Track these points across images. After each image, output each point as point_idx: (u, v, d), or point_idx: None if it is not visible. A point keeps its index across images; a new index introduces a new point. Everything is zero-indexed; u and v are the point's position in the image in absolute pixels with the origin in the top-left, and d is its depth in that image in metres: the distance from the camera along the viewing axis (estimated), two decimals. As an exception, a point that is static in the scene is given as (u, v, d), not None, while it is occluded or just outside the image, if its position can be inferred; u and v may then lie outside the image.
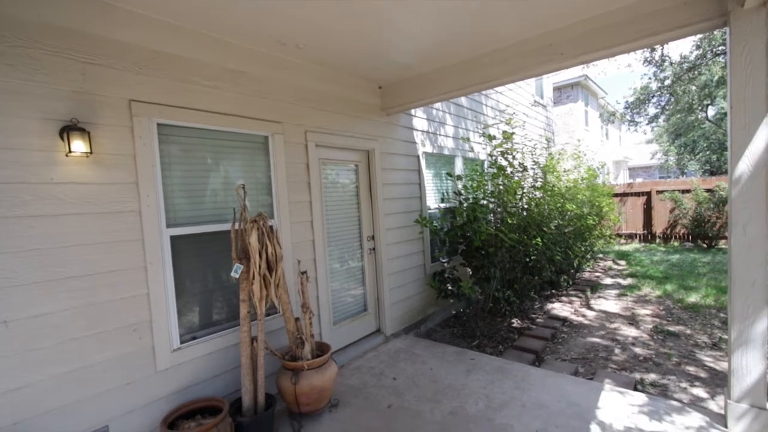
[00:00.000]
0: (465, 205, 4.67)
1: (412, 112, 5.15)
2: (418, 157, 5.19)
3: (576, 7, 3.01)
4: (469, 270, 4.99)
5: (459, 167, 6.14)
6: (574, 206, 6.12)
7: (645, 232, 12.15)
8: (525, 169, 4.24)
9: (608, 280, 7.85)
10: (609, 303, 6.24)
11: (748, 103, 2.51)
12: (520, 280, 5.03)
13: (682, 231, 11.37)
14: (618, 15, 3.03)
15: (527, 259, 5.16)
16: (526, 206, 4.47)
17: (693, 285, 6.92)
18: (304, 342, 2.87)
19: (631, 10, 2.96)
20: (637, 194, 12.18)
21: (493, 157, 4.72)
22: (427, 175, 5.43)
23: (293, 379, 2.77)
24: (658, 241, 11.90)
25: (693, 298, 6.19)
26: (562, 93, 16.13)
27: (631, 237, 12.34)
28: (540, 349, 4.37)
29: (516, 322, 5.32)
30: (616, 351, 4.36)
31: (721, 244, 10.56)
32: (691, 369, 3.84)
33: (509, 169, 4.41)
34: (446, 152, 5.80)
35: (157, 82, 2.61)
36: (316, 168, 3.76)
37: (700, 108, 14.29)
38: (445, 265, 5.54)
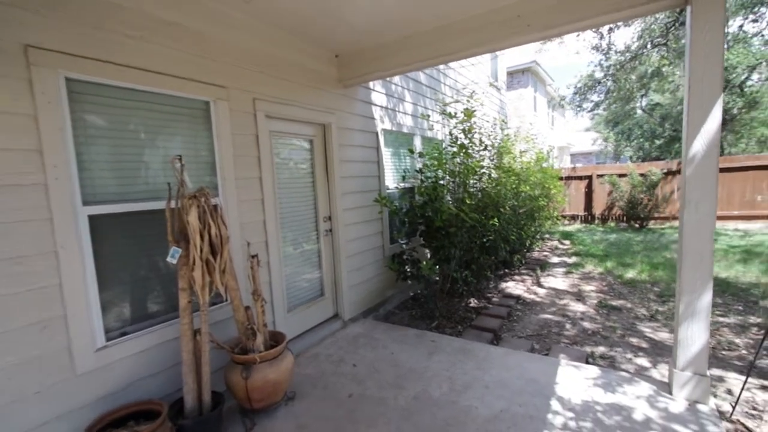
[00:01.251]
0: (426, 183, 4.53)
1: (371, 85, 4.87)
2: (376, 134, 4.95)
3: (545, -24, 2.88)
4: (428, 251, 4.92)
5: (418, 146, 5.98)
6: (528, 187, 6.24)
7: (586, 213, 12.95)
8: (485, 147, 4.17)
9: (555, 259, 8.24)
10: (557, 281, 6.53)
11: (706, 82, 2.55)
12: (477, 260, 5.05)
13: (618, 212, 12.24)
14: (584, -11, 2.95)
15: (484, 240, 5.18)
16: (484, 186, 4.44)
17: (629, 262, 7.44)
18: (255, 332, 2.60)
19: (598, -17, 2.89)
20: (580, 178, 12.89)
21: (453, 136, 4.60)
22: (386, 153, 5.22)
23: (244, 374, 2.49)
24: (597, 222, 12.74)
25: (630, 274, 6.64)
26: (513, 78, 16.50)
27: (573, 218, 13.09)
28: (497, 327, 4.42)
29: (473, 302, 5.38)
30: (567, 326, 4.52)
31: (651, 224, 11.52)
32: (634, 341, 4.07)
33: (471, 148, 4.32)
34: (405, 130, 5.61)
35: (62, 27, 2.11)
36: (266, 141, 3.39)
37: (636, 97, 15.34)
38: (404, 246, 5.43)
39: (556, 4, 3.06)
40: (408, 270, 4.80)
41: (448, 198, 4.88)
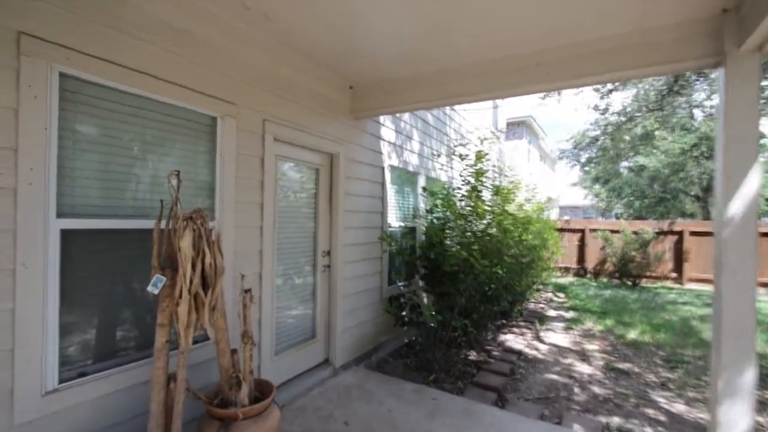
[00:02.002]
0: (435, 224, 4.30)
1: (381, 120, 4.77)
2: (383, 169, 4.78)
3: (570, 29, 2.85)
4: (426, 295, 4.61)
5: (422, 185, 5.84)
6: (530, 236, 6.08)
7: (578, 266, 12.85)
8: (497, 192, 4.02)
9: (552, 312, 7.95)
10: (558, 336, 6.21)
11: (742, 142, 2.45)
12: (478, 309, 4.74)
13: (611, 268, 12.16)
14: (611, 41, 2.92)
15: (486, 288, 4.91)
16: (490, 232, 4.24)
17: (629, 321, 7.20)
18: (241, 382, 2.21)
19: (627, 38, 2.86)
20: (573, 231, 12.92)
21: (463, 178, 4.45)
22: (390, 190, 5.03)
23: (222, 431, 2.08)
24: (589, 275, 12.61)
25: (632, 334, 6.38)
26: (509, 130, 16.98)
27: (566, 270, 12.96)
28: (501, 386, 4.04)
29: (473, 355, 5.00)
30: (576, 390, 4.17)
31: (644, 282, 11.42)
32: (650, 411, 3.73)
33: (482, 192, 4.16)
34: (411, 168, 5.47)
35: (64, 17, 1.90)
36: (272, 165, 3.16)
37: (626, 158, 15.88)
38: (402, 288, 5.11)
39: (580, 56, 3.02)
40: (407, 315, 4.46)
41: (449, 242, 4.67)
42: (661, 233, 11.60)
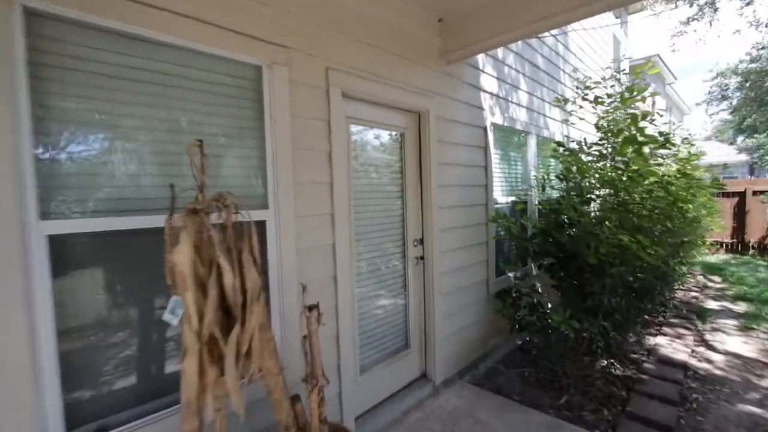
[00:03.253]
0: (569, 196, 3.12)
1: (480, 64, 3.65)
2: (485, 129, 3.70)
3: None
4: (538, 285, 3.50)
5: (532, 148, 4.59)
6: (691, 207, 4.44)
7: (734, 240, 10.07)
8: (667, 141, 2.65)
9: (712, 303, 6.07)
10: (735, 341, 4.55)
11: None
12: (621, 306, 3.48)
13: (788, 242, 9.24)
14: None
15: (632, 278, 3.58)
16: (657, 203, 2.93)
17: (844, 319, 5.08)
18: (305, 447, 1.50)
19: None
20: (727, 194, 10.08)
21: (605, 129, 3.15)
22: (494, 156, 3.92)
23: None
24: (752, 252, 9.79)
25: None
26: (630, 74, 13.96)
27: (717, 245, 10.27)
28: (673, 422, 2.83)
29: (615, 366, 3.78)
30: (805, 438, 2.75)
31: None
32: None
33: (645, 147, 2.81)
34: (518, 126, 4.26)
35: None
36: (342, 130, 2.36)
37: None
38: (513, 280, 4.05)
39: None
40: (523, 317, 3.43)
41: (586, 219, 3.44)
42: None
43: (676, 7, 7.30)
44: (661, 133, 2.61)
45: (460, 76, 3.35)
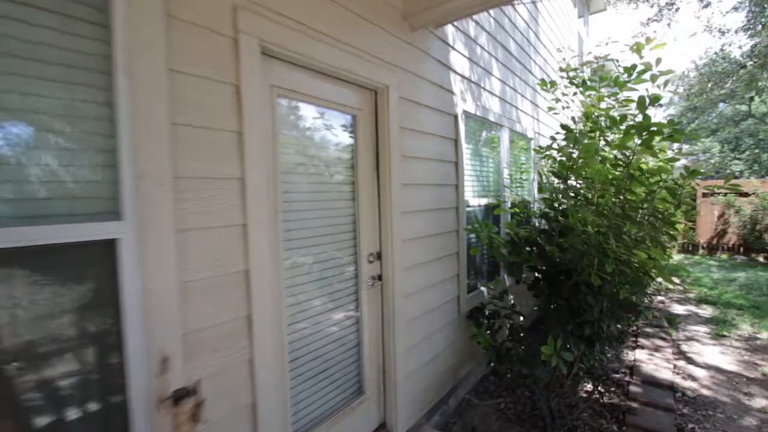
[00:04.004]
0: (562, 201, 2.55)
1: (450, 39, 3.03)
2: (456, 117, 3.09)
3: None
4: (512, 298, 2.96)
5: (505, 144, 4.07)
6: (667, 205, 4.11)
7: (685, 240, 10.31)
8: (677, 132, 2.18)
9: (679, 308, 5.93)
10: (711, 351, 4.30)
11: None
12: (617, 328, 3.03)
13: (735, 241, 9.55)
14: None
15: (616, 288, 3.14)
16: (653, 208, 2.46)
17: (807, 322, 5.04)
18: None
19: None
20: (679, 196, 10.31)
21: (590, 118, 2.64)
22: (466, 151, 3.33)
23: None
24: (701, 251, 10.08)
25: (830, 347, 4.30)
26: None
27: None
28: (679, 469, 2.37)
29: (598, 391, 3.34)
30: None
31: (789, 259, 8.76)
32: None
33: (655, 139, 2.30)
34: (491, 118, 3.71)
35: None
36: (262, 103, 1.62)
37: (742, 100, 12.42)
38: (487, 296, 3.49)
39: None
40: (503, 343, 2.86)
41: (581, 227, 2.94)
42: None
43: (637, 7, 7.16)
44: (670, 122, 2.12)
45: (426, 49, 2.71)
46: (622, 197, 2.35)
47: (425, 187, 2.71)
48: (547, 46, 5.62)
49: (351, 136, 2.25)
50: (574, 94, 2.76)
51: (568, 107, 3.26)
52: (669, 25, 7.71)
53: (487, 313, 3.25)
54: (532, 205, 4.14)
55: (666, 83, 2.17)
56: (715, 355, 4.21)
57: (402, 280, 2.45)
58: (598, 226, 2.23)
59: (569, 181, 2.45)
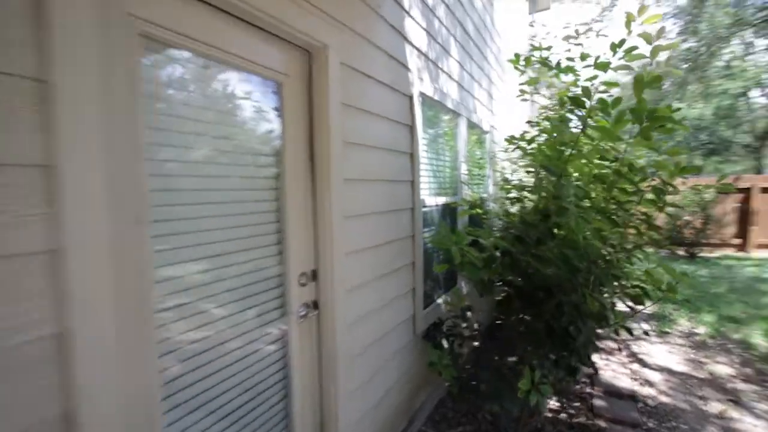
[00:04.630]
0: (565, 200, 2.11)
1: (405, 2, 2.48)
2: (411, 98, 2.55)
3: None
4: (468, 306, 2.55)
5: (463, 135, 3.64)
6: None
7: (617, 235, 10.91)
8: (675, 122, 1.87)
9: (620, 305, 6.00)
10: (659, 351, 4.28)
11: None
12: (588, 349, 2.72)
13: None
14: None
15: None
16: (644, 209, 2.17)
17: (734, 314, 5.31)
18: None
19: None
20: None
21: (564, 102, 2.26)
22: (422, 140, 2.82)
23: None
24: (631, 245, 10.70)
25: (758, 338, 4.49)
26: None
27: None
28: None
29: (560, 406, 3.07)
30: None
31: (705, 252, 9.51)
32: None
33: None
34: (449, 104, 3.24)
35: None
36: (103, 37, 0.94)
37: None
38: (442, 307, 3.04)
39: None
40: (466, 370, 2.41)
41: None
42: (721, 192, 9.60)
43: (581, 7, 7.20)
44: (669, 108, 1.79)
45: (377, 6, 2.13)
46: (611, 198, 1.99)
47: (375, 184, 2.15)
48: (502, 36, 5.31)
49: (276, 113, 1.62)
50: (551, 76, 2.34)
51: (537, 92, 2.87)
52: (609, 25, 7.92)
53: (445, 329, 2.80)
54: (487, 205, 3.79)
55: (668, 60, 1.81)
56: (664, 354, 4.19)
57: (345, 306, 1.88)
58: (602, 235, 1.84)
59: (569, 178, 2.03)
